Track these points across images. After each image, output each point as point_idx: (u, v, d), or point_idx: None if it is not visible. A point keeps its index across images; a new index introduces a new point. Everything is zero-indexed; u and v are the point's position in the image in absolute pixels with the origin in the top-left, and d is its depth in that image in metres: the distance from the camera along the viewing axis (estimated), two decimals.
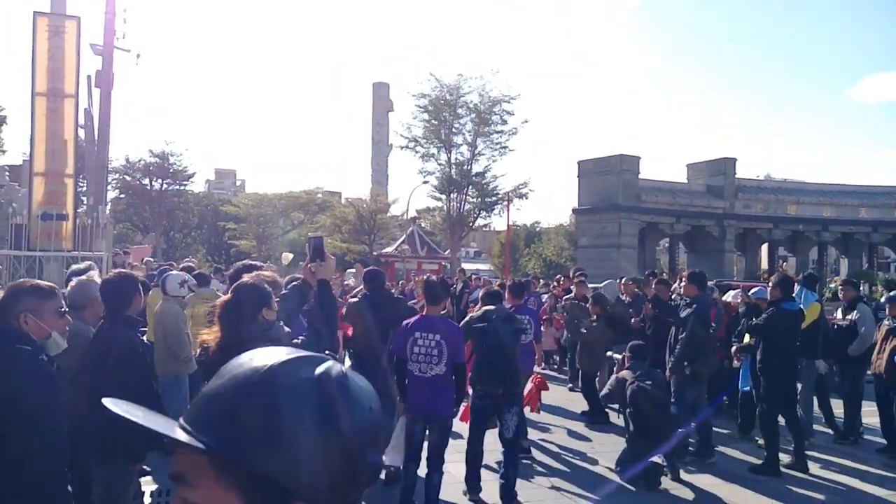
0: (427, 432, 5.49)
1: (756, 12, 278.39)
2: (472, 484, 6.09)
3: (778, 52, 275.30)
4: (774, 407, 7.33)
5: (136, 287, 4.39)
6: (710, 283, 9.07)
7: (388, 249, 36.50)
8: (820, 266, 35.78)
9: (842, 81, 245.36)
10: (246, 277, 4.07)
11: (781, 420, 7.39)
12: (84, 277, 4.51)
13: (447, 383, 5.38)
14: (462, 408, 6.66)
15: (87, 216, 11.86)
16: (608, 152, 31.05)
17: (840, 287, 10.13)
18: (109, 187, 50.76)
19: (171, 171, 51.52)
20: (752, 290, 9.12)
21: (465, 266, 35.12)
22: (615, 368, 7.77)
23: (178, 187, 53.42)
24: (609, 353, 9.20)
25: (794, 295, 7.81)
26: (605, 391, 7.40)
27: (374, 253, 39.65)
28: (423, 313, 5.69)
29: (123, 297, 4.23)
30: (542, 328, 10.91)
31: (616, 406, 8.11)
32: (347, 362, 7.46)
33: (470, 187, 38.89)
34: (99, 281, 4.52)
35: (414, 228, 36.86)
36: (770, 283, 7.77)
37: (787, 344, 7.27)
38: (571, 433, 8.86)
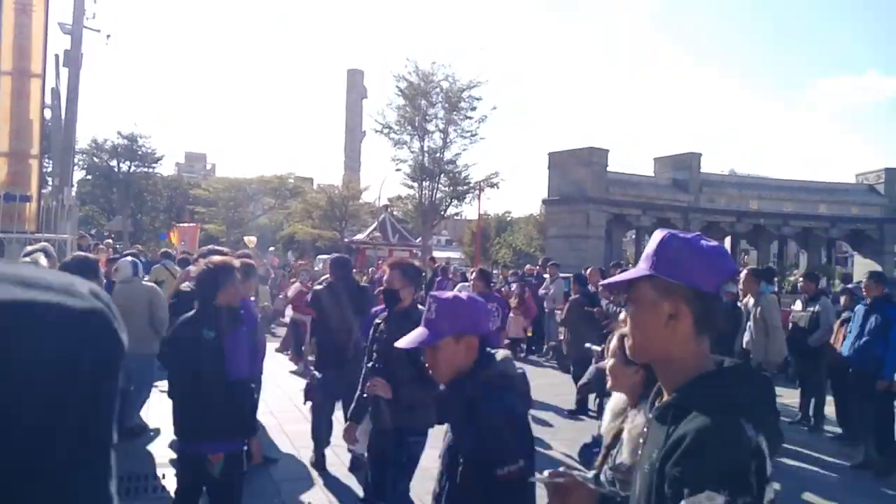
0: None
1: (720, 15, 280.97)
2: None
3: (741, 53, 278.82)
4: None
5: (95, 272, 4.41)
6: None
7: (360, 236, 36.47)
8: (780, 260, 36.49)
9: (801, 83, 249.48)
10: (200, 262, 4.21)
11: None
12: (27, 259, 4.49)
13: None
14: None
15: (53, 198, 11.71)
16: (578, 144, 31.34)
17: (801, 280, 10.40)
18: (76, 168, 50.07)
19: (140, 153, 50.89)
20: None
21: (437, 254, 35.23)
22: (593, 360, 7.87)
23: (146, 170, 52.82)
24: (587, 345, 9.15)
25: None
26: (584, 380, 7.48)
27: (346, 239, 39.58)
28: None
29: None
30: (509, 315, 11.08)
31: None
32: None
33: (442, 176, 38.91)
34: (44, 263, 4.51)
35: (386, 216, 36.84)
36: None
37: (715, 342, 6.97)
38: (535, 420, 9.00)
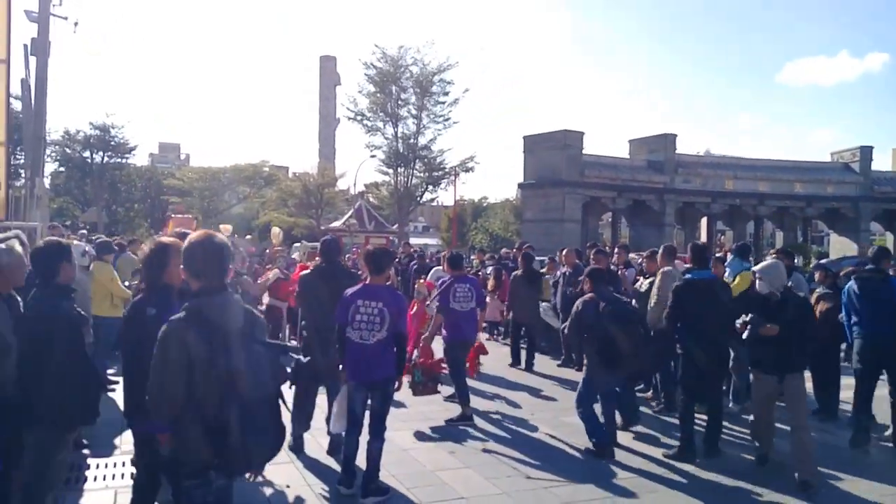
0: (369, 400, 5.54)
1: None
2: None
3: (715, 35, 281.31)
4: (691, 388, 6.89)
5: (65, 255, 4.36)
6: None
7: (336, 224, 36.34)
8: (756, 239, 36.81)
9: (770, 66, 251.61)
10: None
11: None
12: (2, 246, 4.41)
13: (388, 349, 5.43)
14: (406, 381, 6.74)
15: (26, 188, 11.53)
16: (553, 128, 31.39)
17: (774, 256, 10.45)
18: (49, 160, 49.50)
19: (112, 143, 50.37)
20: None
21: (414, 241, 35.18)
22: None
23: (119, 160, 52.32)
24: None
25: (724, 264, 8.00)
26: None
27: (322, 227, 39.41)
28: (367, 282, 5.73)
29: (51, 266, 4.22)
30: (486, 298, 11.14)
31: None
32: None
33: (417, 161, 38.86)
34: (19, 250, 4.44)
35: (361, 203, 36.83)
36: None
37: (695, 316, 6.62)
38: (509, 402, 9.04)
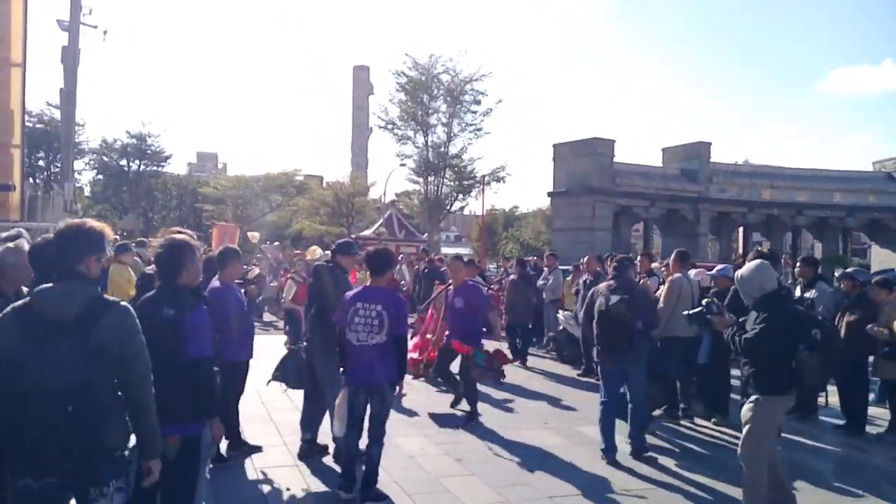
0: (369, 404, 5.42)
1: (735, 3, 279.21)
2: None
3: (753, 45, 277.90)
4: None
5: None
6: None
7: (367, 232, 36.39)
8: (794, 250, 35.99)
9: (812, 74, 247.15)
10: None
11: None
12: (10, 245, 4.38)
13: (387, 353, 5.29)
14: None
15: (60, 192, 11.68)
16: (584, 135, 31.07)
17: (798, 265, 10.12)
18: (87, 168, 50.57)
19: (149, 152, 51.33)
20: (717, 269, 9.14)
21: (445, 250, 35.10)
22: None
23: (155, 168, 53.29)
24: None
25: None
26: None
27: (353, 236, 39.55)
28: (367, 284, 5.63)
29: (46, 264, 4.16)
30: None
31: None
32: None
33: (447, 170, 38.82)
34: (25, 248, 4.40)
35: (392, 211, 36.84)
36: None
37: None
38: (527, 410, 8.86)
